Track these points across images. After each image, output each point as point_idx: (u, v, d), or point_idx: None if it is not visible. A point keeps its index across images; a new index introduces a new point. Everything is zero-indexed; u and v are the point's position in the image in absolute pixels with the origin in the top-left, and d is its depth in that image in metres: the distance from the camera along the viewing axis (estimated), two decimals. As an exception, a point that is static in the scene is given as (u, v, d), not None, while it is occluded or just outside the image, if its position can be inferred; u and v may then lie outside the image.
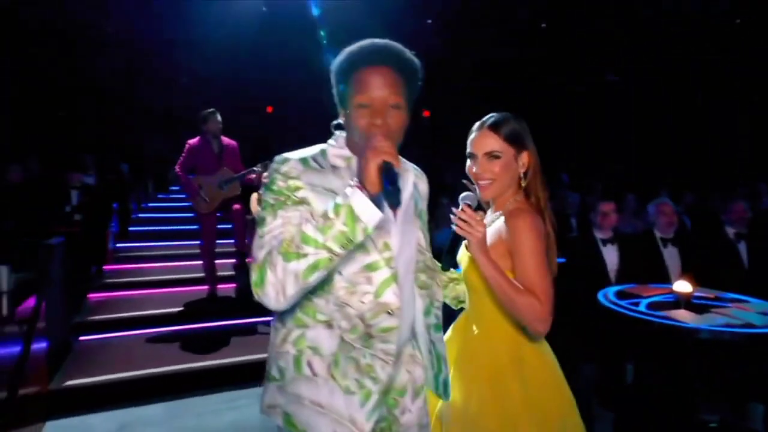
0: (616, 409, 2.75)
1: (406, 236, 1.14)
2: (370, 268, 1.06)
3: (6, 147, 6.93)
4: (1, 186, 4.58)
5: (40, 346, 2.69)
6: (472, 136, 1.41)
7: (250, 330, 4.02)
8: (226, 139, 4.29)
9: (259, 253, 0.99)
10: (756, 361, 2.20)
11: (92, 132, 8.81)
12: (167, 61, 9.00)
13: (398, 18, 7.16)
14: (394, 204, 0.95)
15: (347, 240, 0.94)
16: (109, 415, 2.81)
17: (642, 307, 2.43)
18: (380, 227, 1.01)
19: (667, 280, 3.15)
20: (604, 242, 3.15)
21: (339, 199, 0.96)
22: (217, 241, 4.45)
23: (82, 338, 3.71)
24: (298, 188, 1.05)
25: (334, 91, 1.13)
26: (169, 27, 7.80)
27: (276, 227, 1.00)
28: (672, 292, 2.54)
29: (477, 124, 1.42)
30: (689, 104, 8.27)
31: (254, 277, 0.97)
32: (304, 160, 1.09)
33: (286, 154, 1.10)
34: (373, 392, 1.06)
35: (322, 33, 8.22)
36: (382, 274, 1.06)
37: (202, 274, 4.52)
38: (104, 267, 5.22)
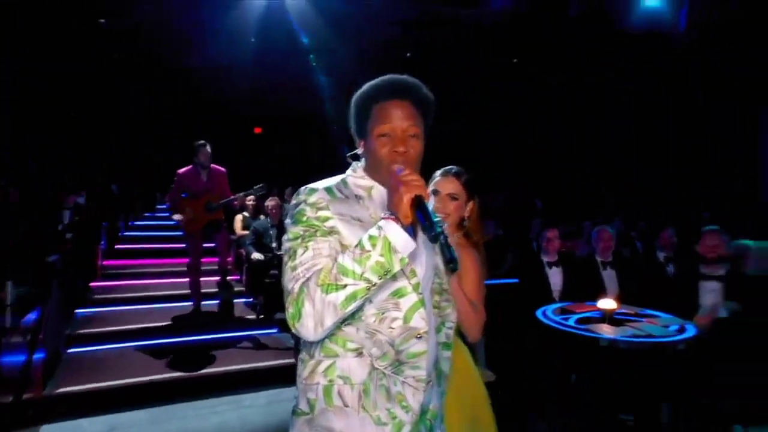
0: (555, 414, 3.11)
1: (427, 261, 1.18)
2: (398, 294, 1.09)
3: (4, 165, 7.14)
4: (2, 206, 4.85)
5: (37, 355, 2.97)
6: (438, 179, 1.80)
7: (231, 343, 4.31)
8: (215, 167, 4.64)
9: (294, 285, 1.01)
10: (662, 366, 2.59)
11: (84, 152, 9.07)
12: (159, 85, 9.35)
13: (379, 50, 7.66)
14: (434, 239, 0.98)
15: (384, 270, 0.98)
16: (99, 419, 3.07)
17: (571, 322, 2.83)
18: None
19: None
20: (550, 265, 3.57)
21: (374, 231, 1.00)
22: (203, 260, 4.76)
23: (71, 350, 3.96)
24: (327, 218, 1.07)
25: (352, 122, 1.19)
26: (162, 53, 8.17)
27: (308, 259, 1.02)
28: (598, 309, 2.97)
29: (442, 170, 1.82)
30: (653, 135, 8.88)
31: (291, 310, 1.00)
32: (329, 190, 1.12)
33: (312, 185, 1.13)
34: (405, 423, 1.07)
35: (311, 56, 8.66)
36: (410, 299, 1.09)
37: (186, 291, 4.81)
38: (93, 283, 5.47)
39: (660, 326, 2.62)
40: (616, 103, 8.71)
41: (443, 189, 1.77)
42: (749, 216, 6.27)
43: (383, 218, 1.01)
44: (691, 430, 2.50)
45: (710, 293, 2.97)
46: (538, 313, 3.02)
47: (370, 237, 1.00)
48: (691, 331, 2.57)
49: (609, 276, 3.76)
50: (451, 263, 1.03)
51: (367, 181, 1.16)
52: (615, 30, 5.73)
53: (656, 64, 6.85)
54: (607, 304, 2.92)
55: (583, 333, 2.53)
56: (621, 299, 3.17)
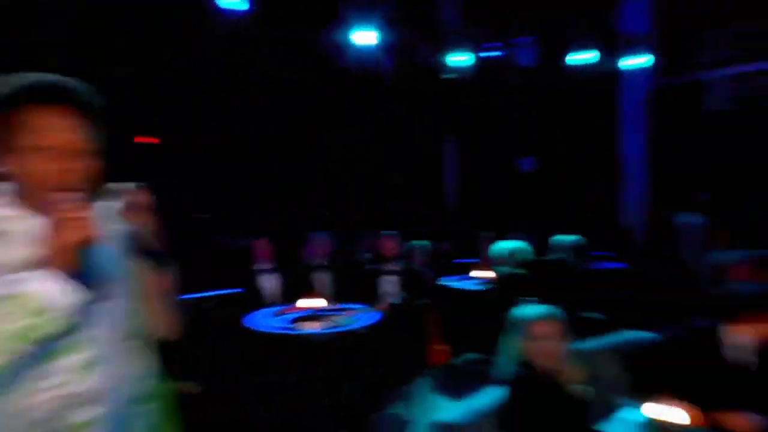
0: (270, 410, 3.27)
1: (105, 307, 0.93)
2: (60, 354, 0.86)
3: None
4: None
5: None
6: (129, 189, 1.67)
7: None
8: None
9: None
10: (349, 349, 3.09)
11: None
12: None
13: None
14: (103, 297, 0.84)
15: (36, 336, 0.78)
16: None
17: (285, 323, 3.06)
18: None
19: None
20: (262, 272, 3.77)
21: (15, 287, 0.78)
22: None
23: None
24: None
25: None
26: None
27: None
28: (307, 308, 3.31)
29: (135, 183, 1.70)
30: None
31: None
32: None
33: None
34: None
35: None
36: (78, 359, 0.88)
37: None
38: None
39: (351, 317, 3.13)
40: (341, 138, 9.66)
41: (133, 198, 1.72)
42: (436, 221, 8.15)
43: (32, 268, 0.80)
44: (367, 401, 3.02)
45: (389, 284, 3.74)
46: (248, 319, 3.15)
47: (9, 296, 0.77)
48: (373, 318, 3.16)
49: (323, 277, 4.24)
50: (159, 261, 0.96)
51: (10, 212, 0.89)
52: (335, 67, 6.48)
53: (371, 97, 8.11)
54: (314, 302, 3.31)
55: (289, 332, 2.78)
56: (331, 297, 3.63)
